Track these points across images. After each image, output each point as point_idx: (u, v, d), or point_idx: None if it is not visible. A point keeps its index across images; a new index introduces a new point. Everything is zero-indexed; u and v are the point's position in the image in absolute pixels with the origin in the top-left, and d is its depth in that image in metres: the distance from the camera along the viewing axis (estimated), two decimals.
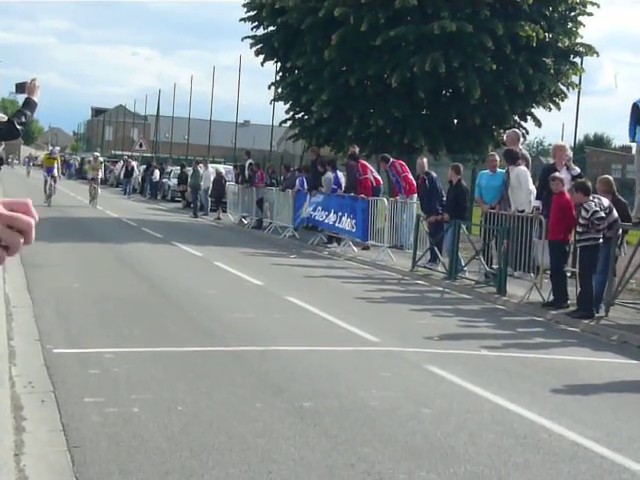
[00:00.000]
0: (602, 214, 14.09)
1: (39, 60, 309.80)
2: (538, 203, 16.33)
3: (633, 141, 15.29)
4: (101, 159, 43.14)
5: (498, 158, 18.66)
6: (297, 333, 11.72)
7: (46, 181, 36.78)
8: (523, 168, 17.31)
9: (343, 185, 25.08)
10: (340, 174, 25.51)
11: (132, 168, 54.30)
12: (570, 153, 17.36)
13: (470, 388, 9.05)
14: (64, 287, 14.45)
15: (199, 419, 7.35)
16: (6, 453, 6.20)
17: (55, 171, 37.02)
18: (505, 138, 18.27)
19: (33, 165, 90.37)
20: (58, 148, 47.03)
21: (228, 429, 7.11)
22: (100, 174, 40.34)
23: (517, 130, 19.99)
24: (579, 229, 14.29)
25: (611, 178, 15.54)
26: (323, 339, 11.34)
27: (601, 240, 14.25)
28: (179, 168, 45.21)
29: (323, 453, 6.69)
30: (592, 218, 13.98)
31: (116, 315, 12.20)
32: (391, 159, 23.28)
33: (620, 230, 14.64)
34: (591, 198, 14.21)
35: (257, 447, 6.71)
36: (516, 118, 32.56)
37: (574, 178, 16.14)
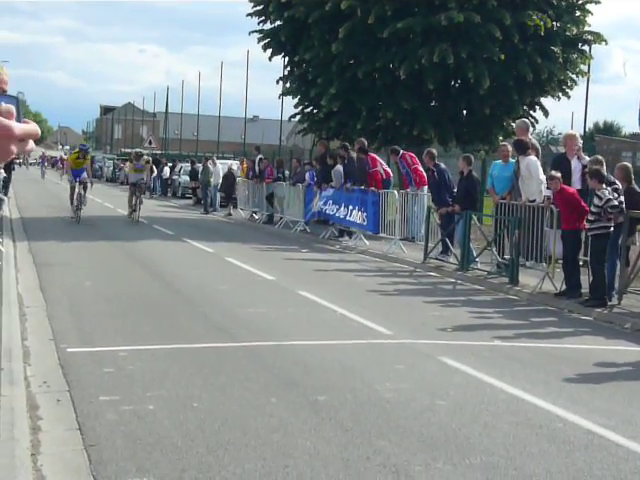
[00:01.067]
0: (615, 202, 14.06)
1: (47, 59, 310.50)
2: (549, 192, 16.30)
3: None
4: (147, 157, 32.58)
5: (510, 148, 18.61)
6: (310, 327, 11.73)
7: (73, 188, 27.97)
8: (533, 158, 17.27)
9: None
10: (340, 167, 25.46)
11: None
12: (580, 142, 17.29)
13: (484, 379, 9.05)
14: (76, 286, 14.50)
15: (214, 415, 7.36)
16: (23, 453, 6.23)
17: (85, 175, 28.15)
18: (515, 128, 18.22)
19: (47, 165, 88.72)
20: (87, 145, 37.88)
21: (244, 425, 7.13)
22: (145, 178, 30.80)
23: (526, 120, 19.95)
24: (591, 217, 14.26)
25: (629, 165, 15.45)
26: (336, 333, 11.35)
27: (612, 228, 14.23)
28: (189, 165, 45.20)
29: (339, 446, 6.70)
30: (605, 206, 13.95)
31: (129, 313, 12.23)
32: (401, 151, 23.27)
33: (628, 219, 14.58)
34: (604, 186, 14.18)
35: (273, 442, 6.73)
36: (525, 108, 32.46)
37: (584, 167, 16.13)
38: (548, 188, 16.37)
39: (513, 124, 33.21)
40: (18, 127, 2.05)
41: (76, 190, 27.67)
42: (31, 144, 2.12)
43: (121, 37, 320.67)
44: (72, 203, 28.02)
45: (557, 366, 9.95)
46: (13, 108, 2.07)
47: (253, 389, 8.27)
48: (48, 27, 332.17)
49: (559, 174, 15.22)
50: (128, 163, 36.06)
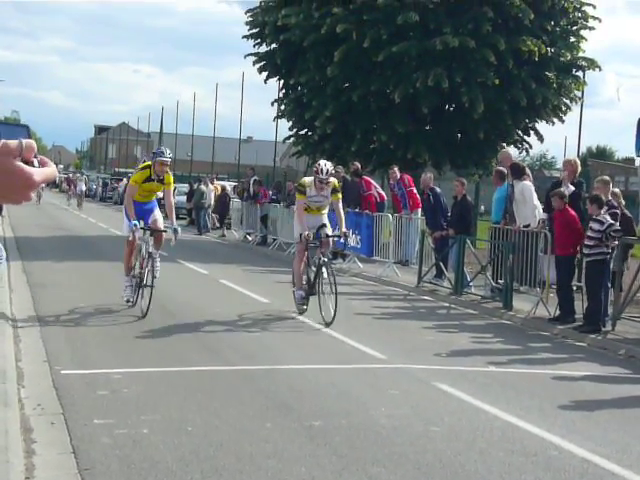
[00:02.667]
0: (618, 226, 14.08)
1: (41, 79, 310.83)
2: (545, 216, 16.33)
3: (639, 155, 15.39)
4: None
5: (506, 172, 18.66)
6: (304, 351, 11.72)
7: (139, 250, 15.29)
8: (528, 183, 17.29)
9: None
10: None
11: None
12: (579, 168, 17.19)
13: (479, 405, 9.04)
14: (70, 307, 14.45)
15: (209, 440, 7.34)
16: (17, 476, 6.19)
17: (158, 218, 15.53)
18: (499, 158, 18.22)
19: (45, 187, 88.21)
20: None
21: (238, 450, 7.11)
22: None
23: (508, 149, 19.97)
24: (589, 242, 14.20)
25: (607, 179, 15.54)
26: (331, 357, 11.34)
27: (608, 255, 14.24)
28: (187, 185, 45.14)
29: (334, 473, 6.68)
30: (608, 230, 13.94)
31: (123, 335, 12.20)
32: (398, 174, 23.30)
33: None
34: (602, 212, 14.20)
35: (268, 468, 6.71)
36: (519, 132, 32.59)
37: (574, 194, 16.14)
38: (545, 211, 16.38)
39: (507, 148, 33.52)
40: (38, 174, 2.02)
41: (142, 250, 15.24)
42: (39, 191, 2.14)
43: (116, 57, 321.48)
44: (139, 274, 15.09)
45: (552, 393, 9.95)
46: (34, 144, 2.04)
47: (248, 413, 8.25)
48: (43, 46, 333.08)
49: (565, 193, 15.23)
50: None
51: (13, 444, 6.83)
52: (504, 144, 33.03)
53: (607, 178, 15.69)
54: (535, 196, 17.28)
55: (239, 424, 7.87)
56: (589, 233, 14.29)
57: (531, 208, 17.02)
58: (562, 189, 15.72)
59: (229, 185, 39.32)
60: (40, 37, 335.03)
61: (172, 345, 11.62)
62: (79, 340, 11.62)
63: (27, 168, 2.00)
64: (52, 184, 74.69)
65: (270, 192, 31.74)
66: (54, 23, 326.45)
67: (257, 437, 7.49)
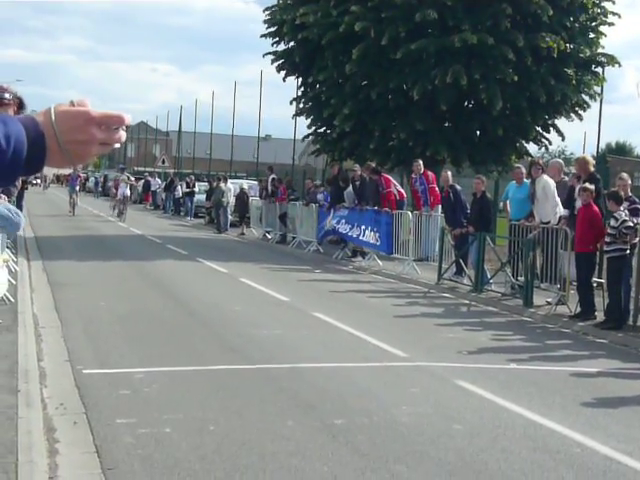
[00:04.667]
0: (631, 223, 14.05)
1: (59, 78, 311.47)
2: (566, 212, 16.26)
3: None
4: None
5: (524, 170, 18.63)
6: (325, 349, 11.72)
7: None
8: (550, 179, 17.20)
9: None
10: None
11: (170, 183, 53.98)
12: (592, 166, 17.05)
13: (500, 403, 9.03)
14: (91, 306, 14.52)
15: (231, 439, 7.36)
16: (41, 476, 6.23)
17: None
18: (549, 168, 18.12)
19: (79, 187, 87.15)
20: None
21: (261, 448, 7.12)
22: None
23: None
24: (607, 239, 14.22)
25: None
26: (351, 355, 11.35)
27: (628, 251, 14.20)
28: (207, 184, 45.23)
29: (356, 471, 6.68)
30: (621, 227, 13.93)
31: (144, 334, 12.25)
32: (422, 168, 23.32)
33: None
34: (622, 208, 14.17)
35: (290, 466, 6.72)
36: (538, 129, 32.47)
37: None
38: (566, 208, 16.32)
39: (526, 145, 33.46)
40: (96, 111, 2.06)
41: None
42: (121, 132, 2.11)
43: (133, 56, 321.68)
44: None
45: (573, 390, 9.92)
46: (86, 100, 2.09)
47: (269, 412, 8.26)
48: (60, 46, 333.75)
49: (593, 187, 15.16)
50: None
51: (36, 444, 6.87)
52: (523, 141, 32.94)
53: (625, 175, 15.63)
54: (556, 192, 17.18)
55: (261, 423, 7.89)
56: (608, 230, 14.28)
57: (552, 204, 16.94)
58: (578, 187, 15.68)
59: (246, 183, 39.27)
60: (57, 37, 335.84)
61: (193, 344, 11.65)
62: (100, 339, 11.67)
63: (78, 107, 2.06)
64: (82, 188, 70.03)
65: (288, 190, 31.78)
66: (71, 22, 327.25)
67: (279, 435, 7.51)
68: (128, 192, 43.17)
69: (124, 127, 2.11)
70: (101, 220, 40.35)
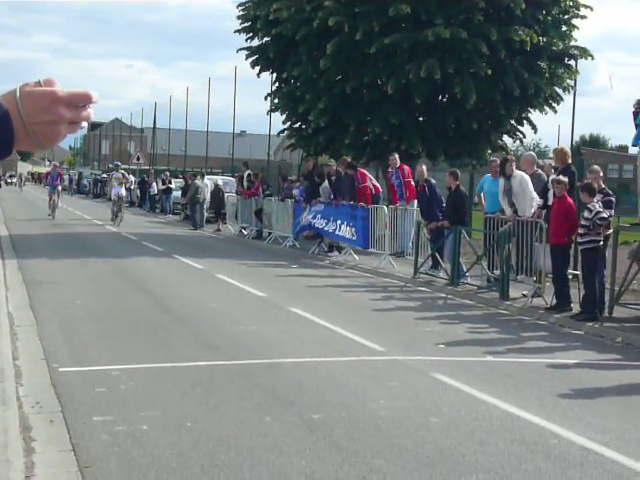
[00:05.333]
0: (604, 215, 14.12)
1: (33, 76, 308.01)
2: (540, 201, 16.28)
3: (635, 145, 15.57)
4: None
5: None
6: (302, 344, 11.71)
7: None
8: (525, 175, 17.23)
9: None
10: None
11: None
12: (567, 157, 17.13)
13: (477, 395, 9.05)
14: (67, 304, 14.45)
15: (209, 435, 7.34)
16: (17, 475, 6.19)
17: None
18: (522, 162, 18.14)
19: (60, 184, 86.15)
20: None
21: (238, 444, 7.11)
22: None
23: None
24: (580, 230, 14.29)
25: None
26: (329, 350, 11.34)
27: (601, 242, 14.27)
28: (182, 181, 45.04)
29: (335, 466, 6.68)
30: (595, 219, 13.99)
31: (120, 331, 12.19)
32: (398, 162, 23.33)
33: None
34: (595, 200, 14.24)
35: (268, 462, 6.71)
36: (513, 122, 32.58)
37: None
38: (541, 198, 16.35)
39: (500, 140, 33.58)
40: (63, 90, 2.02)
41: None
42: (89, 111, 2.08)
43: (107, 53, 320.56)
44: None
45: (550, 382, 9.96)
46: (54, 79, 2.06)
47: (247, 408, 8.25)
48: (34, 43, 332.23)
49: (566, 179, 15.20)
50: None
51: (12, 443, 6.82)
52: (498, 134, 33.05)
53: (596, 167, 15.72)
54: (532, 186, 17.21)
55: (238, 419, 7.87)
56: (581, 221, 14.35)
57: (530, 198, 16.96)
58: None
59: (221, 180, 39.19)
60: (31, 34, 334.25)
61: (169, 341, 11.62)
62: (76, 337, 11.61)
63: (45, 88, 2.02)
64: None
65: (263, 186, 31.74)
66: (45, 20, 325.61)
67: (257, 431, 7.49)
68: (123, 192, 37.79)
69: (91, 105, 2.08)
70: (86, 224, 36.79)
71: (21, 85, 2.03)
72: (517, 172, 17.23)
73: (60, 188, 41.92)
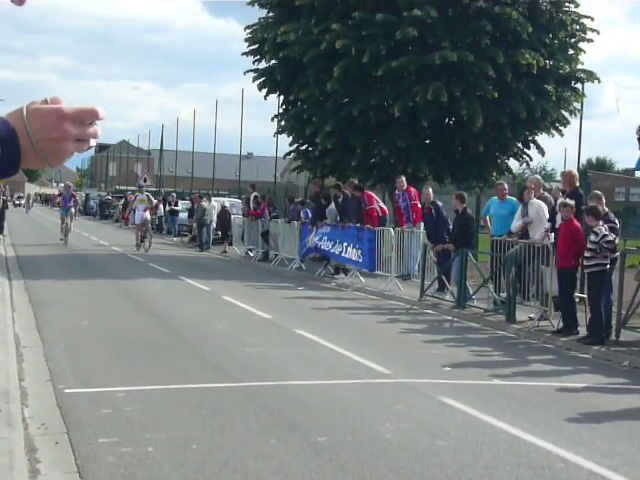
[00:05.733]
0: (611, 238, 14.09)
1: (41, 97, 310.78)
2: (548, 225, 16.24)
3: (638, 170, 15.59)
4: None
5: (507, 186, 18.74)
6: (308, 367, 11.68)
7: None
8: (542, 203, 17.13)
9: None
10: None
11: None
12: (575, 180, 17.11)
13: (484, 419, 9.01)
14: (73, 325, 14.44)
15: (214, 457, 7.31)
16: None
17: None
18: (527, 183, 18.17)
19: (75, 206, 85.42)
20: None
21: (244, 467, 7.08)
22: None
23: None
24: (587, 254, 14.27)
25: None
26: (335, 372, 11.31)
27: (608, 265, 14.24)
28: (189, 202, 45.06)
29: None
30: (601, 242, 13.97)
31: (126, 353, 12.17)
32: (405, 184, 23.35)
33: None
34: (601, 223, 14.22)
35: None
36: (519, 145, 32.61)
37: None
38: (549, 221, 16.30)
39: (507, 161, 33.61)
40: (69, 107, 2.03)
41: None
42: (96, 127, 2.08)
43: (114, 74, 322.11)
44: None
45: (557, 405, 9.92)
46: (60, 98, 2.07)
47: (252, 430, 8.22)
48: (42, 65, 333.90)
49: (573, 202, 15.17)
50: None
51: (17, 464, 6.80)
52: (504, 157, 33.07)
53: (599, 192, 15.69)
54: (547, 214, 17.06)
55: (244, 441, 7.84)
56: (588, 245, 14.32)
57: (545, 225, 16.82)
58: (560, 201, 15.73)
59: (228, 201, 39.29)
60: (39, 56, 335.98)
61: (175, 362, 11.59)
62: (82, 358, 11.59)
63: (51, 105, 2.03)
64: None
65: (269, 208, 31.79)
66: (53, 42, 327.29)
67: (262, 454, 7.46)
68: (148, 216, 34.76)
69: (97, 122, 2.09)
70: (104, 249, 34.13)
71: (28, 103, 2.04)
72: (534, 200, 17.18)
73: (74, 211, 38.07)
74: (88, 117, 2.06)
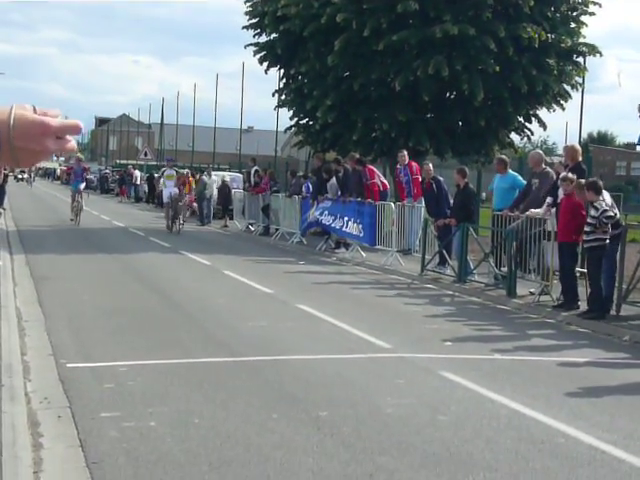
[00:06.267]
0: (611, 213, 14.09)
1: (41, 71, 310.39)
2: (550, 199, 16.21)
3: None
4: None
5: (507, 161, 18.73)
6: (309, 341, 11.72)
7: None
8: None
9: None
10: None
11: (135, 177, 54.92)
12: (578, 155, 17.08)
13: (485, 393, 9.05)
14: (74, 300, 14.47)
15: (216, 431, 7.35)
16: (25, 471, 6.21)
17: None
18: (529, 160, 18.11)
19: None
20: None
21: (246, 441, 7.12)
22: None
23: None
24: (587, 229, 14.26)
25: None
26: (336, 347, 11.35)
27: (608, 240, 14.23)
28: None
29: (342, 463, 6.69)
30: (601, 217, 13.97)
31: (128, 327, 12.21)
32: (407, 158, 23.35)
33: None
34: (601, 198, 14.21)
35: (275, 459, 6.72)
36: (521, 119, 32.53)
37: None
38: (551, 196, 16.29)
39: (508, 137, 33.54)
40: (55, 121, 2.04)
41: None
42: (71, 143, 2.10)
43: (114, 48, 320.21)
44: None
45: (557, 380, 9.95)
46: (52, 111, 2.07)
47: (254, 405, 8.26)
48: (41, 39, 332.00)
49: (574, 177, 15.16)
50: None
51: (21, 438, 6.84)
52: (506, 131, 33.00)
53: (571, 176, 15.56)
54: None
55: (246, 415, 7.88)
56: (588, 219, 14.32)
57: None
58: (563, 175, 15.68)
59: (229, 176, 39.27)
60: (38, 29, 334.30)
61: (177, 337, 11.63)
62: (84, 333, 11.63)
63: (41, 117, 2.04)
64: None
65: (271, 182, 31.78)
66: (53, 15, 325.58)
67: (264, 428, 7.50)
68: (176, 191, 31.43)
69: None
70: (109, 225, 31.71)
71: (17, 106, 2.04)
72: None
73: (83, 186, 33.19)
74: (71, 132, 2.08)
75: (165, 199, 31.72)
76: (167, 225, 31.16)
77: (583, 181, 14.99)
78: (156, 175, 40.76)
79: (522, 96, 30.38)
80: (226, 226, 34.38)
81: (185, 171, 34.83)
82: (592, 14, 31.39)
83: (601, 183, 14.59)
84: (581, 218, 14.80)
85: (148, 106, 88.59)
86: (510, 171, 18.56)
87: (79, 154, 35.92)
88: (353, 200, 24.05)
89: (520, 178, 18.72)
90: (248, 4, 33.81)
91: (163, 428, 7.40)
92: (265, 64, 33.54)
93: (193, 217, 37.81)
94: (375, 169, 25.25)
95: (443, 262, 19.52)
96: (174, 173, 33.01)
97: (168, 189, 31.46)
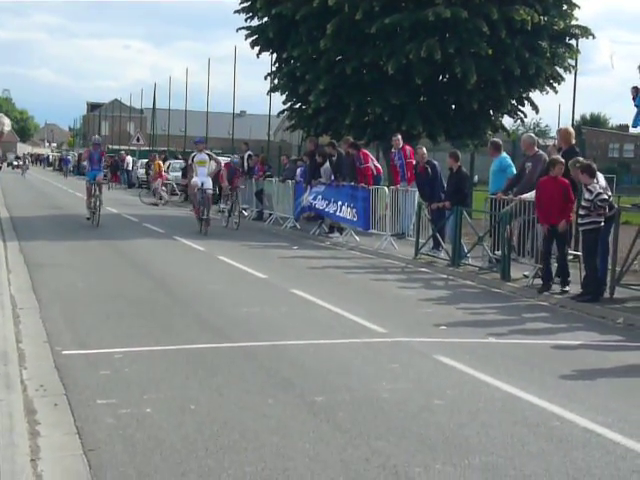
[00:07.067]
0: (605, 196, 14.11)
1: (31, 56, 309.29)
2: None
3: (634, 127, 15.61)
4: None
5: (500, 143, 18.70)
6: (304, 326, 11.73)
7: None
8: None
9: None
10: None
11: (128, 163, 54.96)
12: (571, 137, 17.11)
13: (480, 377, 9.08)
14: (69, 287, 14.46)
15: (212, 417, 7.37)
16: (22, 459, 6.22)
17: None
18: (522, 143, 18.06)
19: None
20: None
21: (242, 427, 7.14)
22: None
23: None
24: (581, 212, 14.30)
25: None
26: (331, 332, 11.36)
27: (602, 223, 14.26)
28: (182, 161, 44.90)
29: (338, 448, 6.71)
30: (595, 200, 13.99)
31: (122, 314, 12.20)
32: (401, 142, 23.36)
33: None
34: (595, 181, 14.23)
35: (272, 444, 6.74)
36: (514, 102, 32.51)
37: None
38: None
39: (501, 118, 33.52)
40: None
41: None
42: None
43: (105, 33, 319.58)
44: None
45: (552, 363, 9.99)
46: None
47: (250, 390, 8.27)
48: (31, 24, 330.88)
49: (563, 160, 15.17)
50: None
51: (17, 426, 6.85)
52: (499, 114, 32.98)
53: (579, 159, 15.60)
54: None
55: (242, 401, 7.90)
56: (583, 202, 14.34)
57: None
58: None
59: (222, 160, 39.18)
60: (29, 14, 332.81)
61: (172, 323, 11.63)
62: (79, 320, 11.62)
63: None
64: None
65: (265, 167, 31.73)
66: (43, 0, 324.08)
67: (260, 414, 7.52)
68: (209, 181, 26.44)
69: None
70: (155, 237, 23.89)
71: None
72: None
73: (101, 177, 27.74)
74: None
75: (194, 188, 26.26)
76: (198, 217, 26.08)
77: (580, 159, 15.02)
78: (187, 162, 32.97)
79: (515, 79, 30.35)
80: (220, 211, 34.28)
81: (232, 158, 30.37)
82: None
83: (595, 166, 14.59)
84: (570, 198, 14.84)
85: (140, 91, 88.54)
86: (503, 153, 18.52)
87: (97, 136, 32.14)
88: (347, 184, 24.05)
89: (508, 160, 18.60)
90: None
91: (159, 415, 7.42)
92: (257, 48, 33.45)
93: (186, 202, 37.74)
94: (369, 153, 25.25)
95: (437, 246, 19.55)
96: (206, 158, 26.68)
97: (199, 177, 26.11)
